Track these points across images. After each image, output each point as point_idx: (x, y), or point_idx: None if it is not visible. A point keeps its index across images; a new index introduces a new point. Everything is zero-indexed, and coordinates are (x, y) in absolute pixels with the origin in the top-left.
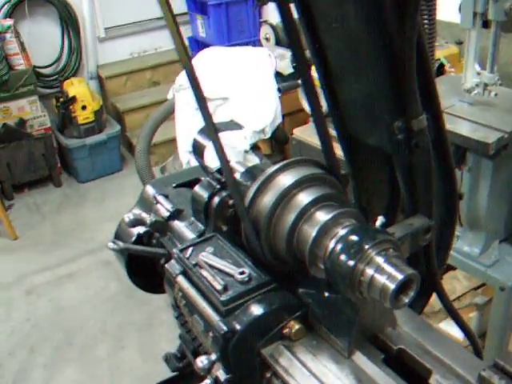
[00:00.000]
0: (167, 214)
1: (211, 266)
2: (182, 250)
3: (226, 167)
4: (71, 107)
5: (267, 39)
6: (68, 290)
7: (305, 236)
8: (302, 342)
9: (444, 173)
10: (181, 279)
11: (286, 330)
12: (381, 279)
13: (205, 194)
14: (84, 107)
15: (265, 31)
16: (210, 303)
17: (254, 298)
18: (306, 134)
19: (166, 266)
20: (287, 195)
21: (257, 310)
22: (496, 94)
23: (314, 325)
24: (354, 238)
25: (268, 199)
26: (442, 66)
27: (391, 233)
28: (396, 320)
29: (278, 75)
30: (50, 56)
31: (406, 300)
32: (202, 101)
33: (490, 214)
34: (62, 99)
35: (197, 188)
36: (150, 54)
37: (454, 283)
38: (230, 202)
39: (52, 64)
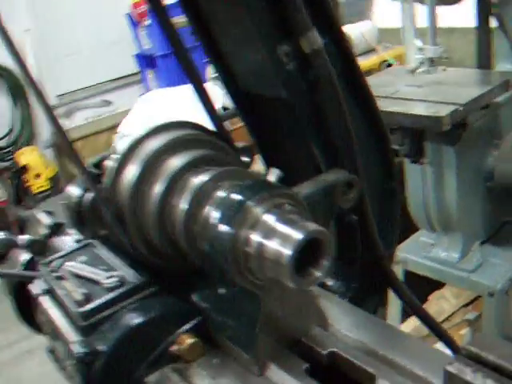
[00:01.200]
0: (46, 231)
1: (77, 277)
2: (46, 264)
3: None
4: (24, 177)
5: (214, 78)
6: (27, 368)
7: (177, 209)
8: (200, 362)
9: (366, 117)
10: (43, 299)
11: (174, 348)
12: (272, 245)
13: (76, 193)
14: (38, 175)
15: (211, 70)
16: (70, 320)
17: (127, 308)
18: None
19: (29, 286)
20: (155, 163)
21: (129, 321)
22: (445, 69)
23: (216, 337)
24: (235, 197)
25: (131, 171)
26: (389, 65)
27: (292, 189)
28: (326, 317)
29: (225, 111)
30: (2, 128)
31: (318, 274)
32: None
33: (463, 212)
34: (13, 170)
35: (68, 187)
36: (106, 117)
37: (442, 303)
38: None
39: (4, 137)
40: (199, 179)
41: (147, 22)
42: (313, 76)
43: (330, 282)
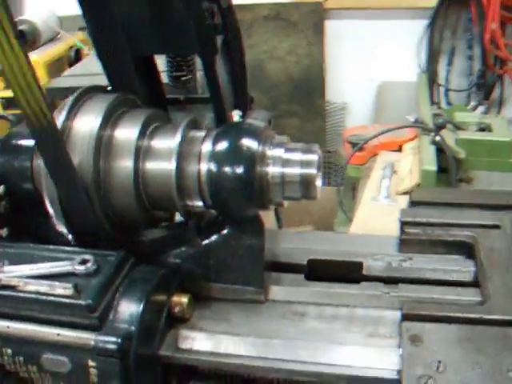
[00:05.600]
0: None
1: (34, 277)
2: None
3: None
4: None
5: None
6: None
7: (158, 173)
8: (199, 315)
9: None
10: None
11: (177, 309)
12: (294, 170)
13: None
14: None
15: None
16: (65, 323)
17: (122, 286)
18: None
19: None
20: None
21: (138, 296)
22: None
23: (200, 288)
24: (246, 143)
25: (85, 138)
26: (78, 50)
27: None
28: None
29: None
30: None
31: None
32: None
33: None
34: None
35: None
36: None
37: None
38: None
39: None
40: (173, 138)
41: None
42: (227, 30)
43: None
